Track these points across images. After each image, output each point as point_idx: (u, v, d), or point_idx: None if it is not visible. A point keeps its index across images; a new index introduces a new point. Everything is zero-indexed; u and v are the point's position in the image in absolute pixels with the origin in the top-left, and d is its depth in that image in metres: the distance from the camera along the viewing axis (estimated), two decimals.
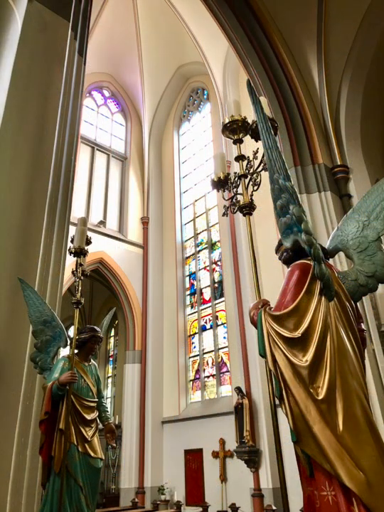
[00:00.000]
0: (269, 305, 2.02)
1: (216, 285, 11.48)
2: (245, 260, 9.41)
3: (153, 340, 11.80)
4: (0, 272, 3.48)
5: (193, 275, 12.37)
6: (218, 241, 11.74)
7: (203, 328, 11.45)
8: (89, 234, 3.90)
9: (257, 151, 2.53)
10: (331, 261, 2.29)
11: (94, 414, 3.63)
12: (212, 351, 10.95)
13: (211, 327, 11.19)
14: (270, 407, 2.02)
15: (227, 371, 10.28)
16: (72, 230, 3.76)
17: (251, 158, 2.58)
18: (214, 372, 10.70)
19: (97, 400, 3.72)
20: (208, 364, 11.00)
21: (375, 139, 7.50)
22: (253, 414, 8.42)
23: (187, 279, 12.51)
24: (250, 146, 2.64)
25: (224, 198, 2.73)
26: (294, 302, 1.88)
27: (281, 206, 2.02)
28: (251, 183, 2.55)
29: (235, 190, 2.62)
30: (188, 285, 12.41)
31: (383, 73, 7.15)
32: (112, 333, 15.52)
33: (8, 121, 3.77)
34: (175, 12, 12.24)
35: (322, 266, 1.91)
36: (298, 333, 1.81)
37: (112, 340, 15.60)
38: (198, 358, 11.31)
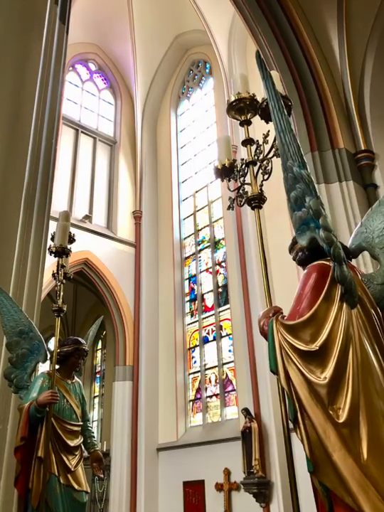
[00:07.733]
0: (282, 313, 2.03)
1: (220, 290, 11.49)
2: (254, 261, 9.41)
3: (147, 354, 11.80)
4: None
5: (193, 278, 12.38)
6: (222, 239, 11.75)
7: (205, 340, 11.46)
8: (73, 230, 3.91)
9: (267, 134, 2.53)
10: (353, 262, 2.30)
11: (79, 440, 3.63)
12: (215, 367, 10.95)
13: (214, 339, 11.20)
14: (283, 431, 2.02)
15: (233, 390, 10.29)
16: (53, 226, 3.77)
17: (261, 143, 2.59)
18: (217, 392, 10.70)
19: (81, 423, 3.73)
20: (210, 382, 11.00)
21: None
22: (263, 440, 8.42)
23: (186, 282, 12.53)
24: (260, 128, 2.64)
25: (229, 189, 2.74)
26: (310, 310, 1.88)
27: (295, 198, 2.03)
28: (260, 171, 2.55)
29: (241, 179, 2.62)
30: (187, 290, 12.42)
31: None
32: (99, 346, 15.52)
33: None
34: None
35: (343, 267, 1.91)
36: (315, 346, 1.81)
37: (98, 353, 15.61)
38: (199, 374, 11.32)
